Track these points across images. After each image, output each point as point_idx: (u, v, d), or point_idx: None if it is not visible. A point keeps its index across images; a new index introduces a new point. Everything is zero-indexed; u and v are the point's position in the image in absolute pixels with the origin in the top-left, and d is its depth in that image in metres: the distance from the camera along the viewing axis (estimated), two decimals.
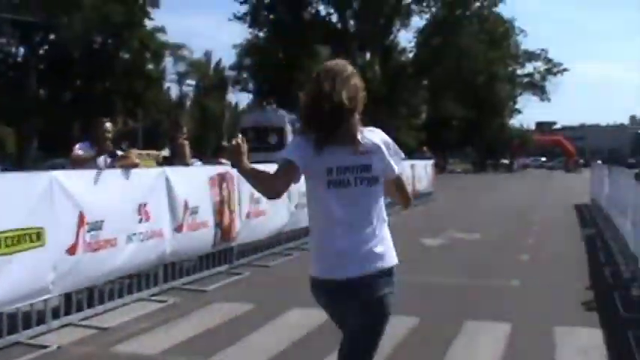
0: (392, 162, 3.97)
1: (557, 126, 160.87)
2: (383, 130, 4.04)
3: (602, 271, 11.93)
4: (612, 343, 7.39)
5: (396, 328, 7.33)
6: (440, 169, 52.55)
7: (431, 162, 31.68)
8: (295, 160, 3.79)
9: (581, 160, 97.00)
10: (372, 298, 3.79)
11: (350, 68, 3.94)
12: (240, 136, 3.95)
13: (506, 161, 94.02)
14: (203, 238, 10.99)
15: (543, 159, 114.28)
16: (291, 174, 3.80)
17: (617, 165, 25.94)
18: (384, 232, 3.92)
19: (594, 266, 12.43)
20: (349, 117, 3.82)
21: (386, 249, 3.88)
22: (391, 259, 3.89)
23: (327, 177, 3.83)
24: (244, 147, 3.86)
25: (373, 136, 3.95)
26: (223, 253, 11.75)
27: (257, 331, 7.88)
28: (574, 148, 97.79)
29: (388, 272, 3.85)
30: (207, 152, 28.26)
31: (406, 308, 8.30)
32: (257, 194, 6.48)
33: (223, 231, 11.59)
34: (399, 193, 4.16)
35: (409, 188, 4.31)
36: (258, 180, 3.84)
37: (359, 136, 3.87)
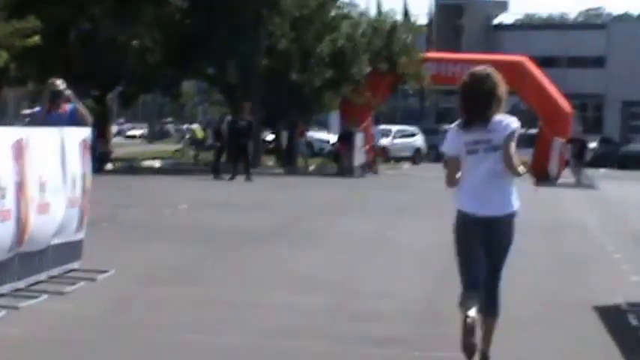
0: (507, 135, 5.91)
1: (507, 20, 66.71)
2: None
3: None
4: None
5: None
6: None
7: None
8: (457, 154, 6.05)
9: (591, 144, 40.95)
10: (504, 231, 6.03)
11: (498, 75, 6.02)
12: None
13: (331, 138, 36.29)
14: None
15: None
16: (457, 167, 6.07)
17: None
18: (505, 185, 6.00)
19: None
20: (495, 106, 5.94)
21: (507, 198, 6.01)
22: (512, 205, 6.03)
23: (465, 148, 5.99)
24: None
25: (504, 119, 5.99)
26: None
27: None
28: (568, 102, 35.97)
29: (511, 214, 6.02)
30: None
31: None
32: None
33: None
34: (504, 161, 5.94)
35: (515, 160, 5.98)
36: (449, 177, 6.10)
37: (494, 119, 5.93)
